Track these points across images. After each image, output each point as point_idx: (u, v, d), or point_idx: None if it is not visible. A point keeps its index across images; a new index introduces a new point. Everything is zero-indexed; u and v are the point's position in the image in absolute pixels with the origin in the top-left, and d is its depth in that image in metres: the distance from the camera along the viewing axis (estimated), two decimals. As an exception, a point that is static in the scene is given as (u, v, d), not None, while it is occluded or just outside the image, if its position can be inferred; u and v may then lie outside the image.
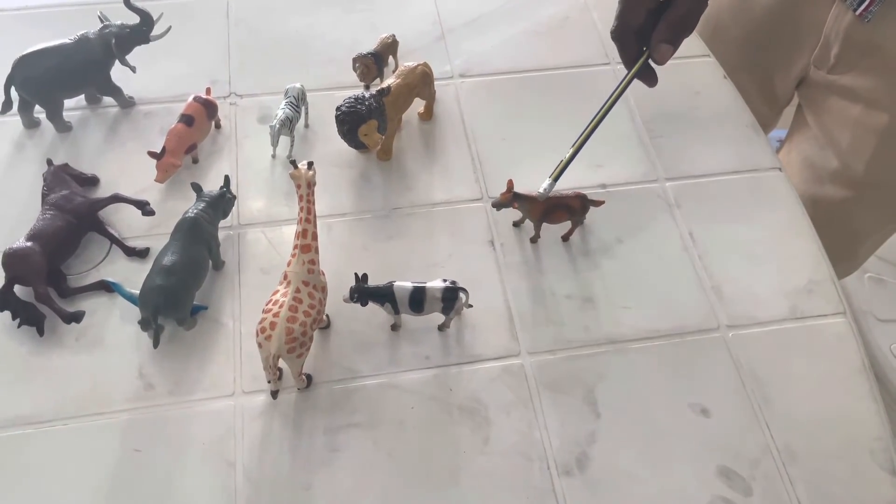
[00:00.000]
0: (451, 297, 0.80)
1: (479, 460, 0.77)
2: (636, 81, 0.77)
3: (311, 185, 0.77)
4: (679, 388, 0.82)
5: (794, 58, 1.11)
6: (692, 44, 1.14)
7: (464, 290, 0.81)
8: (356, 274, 0.80)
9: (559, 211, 0.88)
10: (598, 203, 0.90)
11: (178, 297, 0.79)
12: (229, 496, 0.73)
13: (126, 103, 1.02)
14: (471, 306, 0.83)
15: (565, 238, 0.92)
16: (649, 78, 0.76)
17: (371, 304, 0.82)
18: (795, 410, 0.81)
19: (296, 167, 0.77)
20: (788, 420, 0.81)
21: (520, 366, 0.83)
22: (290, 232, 0.89)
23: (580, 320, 0.87)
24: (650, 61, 0.75)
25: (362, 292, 0.80)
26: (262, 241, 0.91)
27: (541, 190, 0.59)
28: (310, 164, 0.77)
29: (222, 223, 0.89)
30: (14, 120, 0.99)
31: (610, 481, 0.76)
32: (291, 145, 0.98)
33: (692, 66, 1.13)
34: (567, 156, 0.61)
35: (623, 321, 0.87)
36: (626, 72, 0.77)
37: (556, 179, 0.61)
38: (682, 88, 1.10)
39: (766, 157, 1.03)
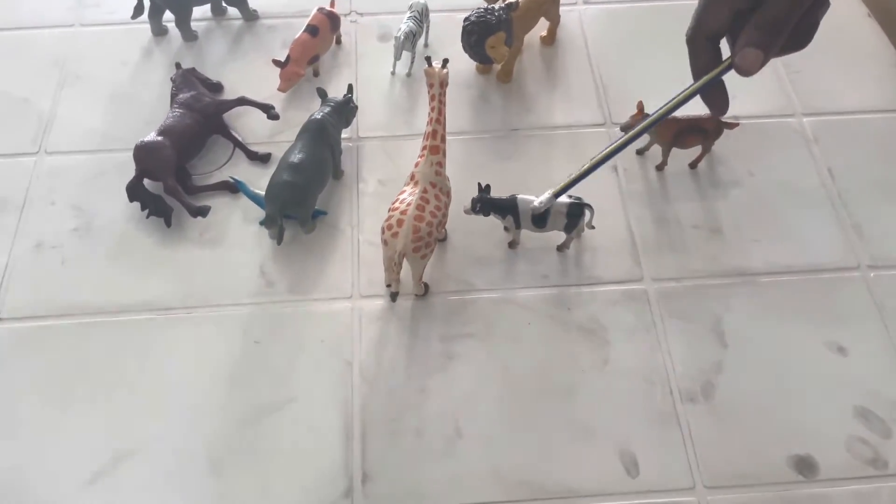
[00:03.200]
0: (577, 213, 0.78)
1: (597, 380, 0.74)
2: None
3: (444, 84, 0.75)
4: (813, 325, 0.77)
5: None
6: (835, -22, 1.06)
7: (590, 206, 0.78)
8: (479, 184, 0.79)
9: (692, 134, 0.84)
10: (732, 125, 0.85)
11: (304, 193, 0.78)
12: (347, 392, 0.73)
13: (250, 16, 1.03)
14: (593, 227, 0.80)
15: (693, 165, 0.88)
16: (719, 101, 0.51)
17: (488, 220, 0.80)
18: (943, 357, 0.76)
19: (430, 65, 0.75)
20: (934, 366, 0.75)
21: (643, 291, 0.80)
22: (408, 147, 0.88)
23: (707, 250, 0.83)
24: (721, 76, 0.50)
25: (485, 202, 0.78)
26: (380, 154, 0.90)
27: (536, 203, 0.51)
28: (444, 63, 0.76)
29: (342, 134, 0.88)
30: (144, 27, 1.01)
31: (737, 412, 0.72)
32: (412, 62, 0.96)
33: (833, 1, 1.05)
34: (577, 172, 0.50)
35: (753, 254, 0.82)
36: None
37: (556, 195, 0.51)
38: (822, 24, 1.02)
39: (914, 97, 0.95)
